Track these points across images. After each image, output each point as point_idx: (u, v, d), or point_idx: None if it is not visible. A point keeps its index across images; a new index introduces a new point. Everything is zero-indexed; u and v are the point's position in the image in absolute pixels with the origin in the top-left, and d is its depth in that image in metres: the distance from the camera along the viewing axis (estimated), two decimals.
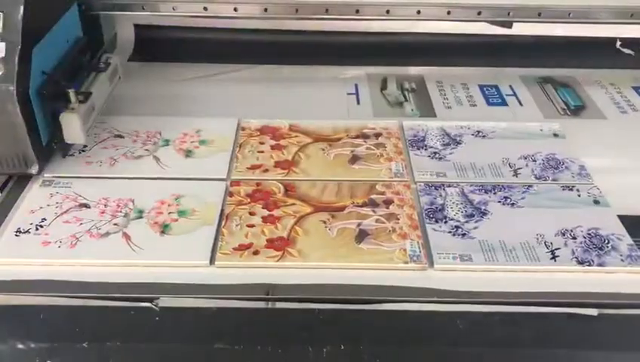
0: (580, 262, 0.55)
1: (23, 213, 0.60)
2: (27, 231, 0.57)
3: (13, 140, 0.60)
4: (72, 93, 0.64)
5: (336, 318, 0.51)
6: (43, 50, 0.63)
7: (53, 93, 0.63)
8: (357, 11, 0.80)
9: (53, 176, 0.64)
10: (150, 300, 0.51)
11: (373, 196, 0.63)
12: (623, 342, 0.51)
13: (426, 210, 0.61)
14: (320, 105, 0.80)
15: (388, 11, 0.80)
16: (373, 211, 0.61)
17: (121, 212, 0.60)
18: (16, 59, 0.58)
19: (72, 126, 0.63)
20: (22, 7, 0.60)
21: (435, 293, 0.53)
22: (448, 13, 0.80)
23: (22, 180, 0.64)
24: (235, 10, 0.80)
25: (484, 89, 0.84)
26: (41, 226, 0.58)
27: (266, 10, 0.80)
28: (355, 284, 0.53)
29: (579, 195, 0.63)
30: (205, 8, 0.80)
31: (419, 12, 0.80)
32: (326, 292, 0.52)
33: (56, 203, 0.61)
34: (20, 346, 0.48)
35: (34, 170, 0.63)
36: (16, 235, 0.57)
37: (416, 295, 0.53)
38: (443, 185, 0.64)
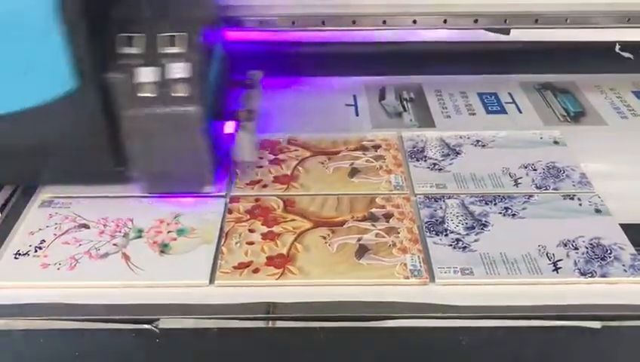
0: (583, 274, 0.55)
1: (22, 234, 0.59)
2: (26, 254, 0.57)
3: (194, 161, 0.61)
4: (242, 111, 0.64)
5: (338, 336, 0.51)
6: (211, 69, 0.64)
7: (219, 112, 0.63)
8: (354, 22, 0.80)
9: (52, 197, 0.64)
10: (150, 321, 0.51)
11: (373, 210, 0.62)
12: (627, 354, 0.50)
13: (426, 222, 0.61)
14: (318, 116, 0.80)
15: (385, 21, 0.80)
16: (373, 225, 0.60)
17: (120, 232, 0.60)
18: (199, 79, 0.58)
19: (246, 144, 0.63)
20: (202, 27, 0.60)
21: (436, 309, 0.52)
22: (445, 21, 0.80)
23: (20, 201, 0.64)
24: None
25: (483, 97, 0.84)
26: (40, 248, 0.58)
27: (261, 22, 0.80)
28: (356, 301, 0.53)
29: (580, 204, 0.63)
30: None
31: (415, 22, 0.80)
32: (327, 309, 0.52)
33: (56, 223, 0.61)
34: None
35: (209, 189, 0.63)
36: (15, 258, 0.57)
37: (418, 311, 0.52)
38: (443, 196, 0.64)
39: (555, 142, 0.73)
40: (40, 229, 0.60)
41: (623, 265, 0.55)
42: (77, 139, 0.59)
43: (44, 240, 0.58)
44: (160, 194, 0.64)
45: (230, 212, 0.62)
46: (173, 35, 0.59)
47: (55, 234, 0.59)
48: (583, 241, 0.58)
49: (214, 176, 0.63)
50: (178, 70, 0.57)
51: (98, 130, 0.58)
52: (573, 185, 0.66)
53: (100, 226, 0.60)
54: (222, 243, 0.58)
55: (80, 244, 0.58)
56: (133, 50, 0.58)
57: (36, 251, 0.57)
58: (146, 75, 0.57)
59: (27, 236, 0.59)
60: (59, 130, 0.58)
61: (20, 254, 0.57)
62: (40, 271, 0.55)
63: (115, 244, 0.58)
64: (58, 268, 0.55)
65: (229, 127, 0.63)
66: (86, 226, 0.60)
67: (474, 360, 0.51)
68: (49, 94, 0.56)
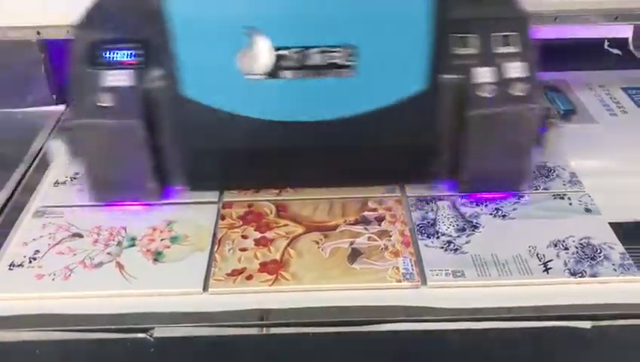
0: (573, 274, 0.55)
1: (16, 245, 0.60)
2: (21, 265, 0.57)
3: (519, 160, 0.62)
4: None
5: (332, 342, 0.51)
6: None
7: None
8: None
9: (45, 206, 0.64)
10: (145, 330, 0.51)
11: (365, 213, 0.63)
12: (618, 353, 0.51)
13: (417, 225, 0.61)
14: None
15: None
16: (365, 229, 0.61)
17: (113, 240, 0.60)
18: (536, 78, 0.59)
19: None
20: (530, 26, 0.61)
21: (429, 312, 0.53)
22: None
23: (13, 211, 0.64)
24: None
25: None
26: (35, 259, 0.58)
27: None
28: (349, 306, 0.53)
29: (570, 204, 0.63)
30: None
31: None
32: (320, 315, 0.53)
33: (49, 233, 0.61)
34: None
35: (524, 188, 0.64)
36: (9, 269, 0.57)
37: (410, 314, 0.53)
38: (434, 198, 0.64)
39: None
40: (34, 239, 0.60)
41: (613, 265, 0.56)
42: (415, 140, 0.60)
43: (38, 251, 0.59)
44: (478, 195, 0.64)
45: (223, 218, 0.62)
46: (507, 35, 0.59)
47: (49, 244, 0.59)
48: (573, 241, 0.59)
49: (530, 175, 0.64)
50: (516, 69, 0.58)
51: (436, 132, 0.60)
52: (564, 185, 0.66)
53: (94, 235, 0.61)
54: (215, 250, 0.59)
55: (74, 254, 0.58)
56: (468, 51, 0.59)
57: (30, 262, 0.58)
58: (484, 75, 0.58)
59: (21, 247, 0.59)
60: (400, 131, 0.60)
61: (14, 265, 0.57)
62: (35, 282, 0.55)
63: (108, 253, 0.58)
64: (53, 279, 0.56)
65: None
66: (80, 235, 0.61)
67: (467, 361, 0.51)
68: (399, 95, 0.57)
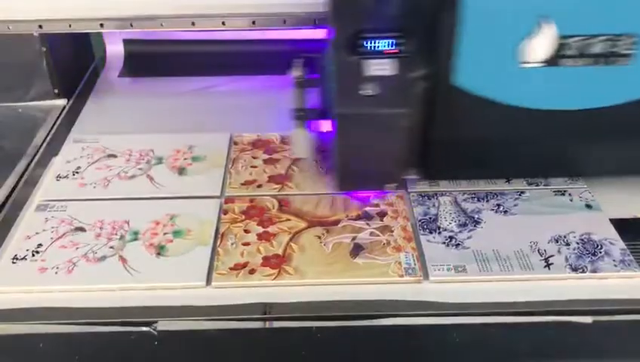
0: (574, 269, 0.56)
1: (19, 239, 0.60)
2: (24, 258, 0.57)
3: None
4: None
5: (334, 335, 0.52)
6: None
7: None
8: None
9: (48, 200, 0.64)
10: (148, 324, 0.51)
11: (367, 208, 0.63)
12: (618, 348, 0.51)
13: (419, 220, 0.61)
14: None
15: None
16: (368, 224, 0.61)
17: (116, 234, 0.60)
18: None
19: None
20: None
21: (431, 306, 0.53)
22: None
23: (16, 205, 0.64)
24: (223, 23, 0.80)
25: None
26: (38, 252, 0.58)
27: (254, 22, 0.80)
28: (352, 300, 0.54)
29: (571, 200, 0.64)
30: (193, 23, 0.80)
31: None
32: (323, 309, 0.53)
33: (52, 227, 0.61)
34: None
35: None
36: (13, 262, 0.57)
37: (413, 309, 0.53)
38: (436, 194, 0.65)
39: None
40: (37, 233, 0.60)
41: (614, 260, 0.56)
42: None
43: (41, 244, 0.59)
44: None
45: (225, 212, 0.63)
46: None
47: (52, 238, 0.60)
48: (574, 237, 0.59)
49: None
50: None
51: None
52: (564, 181, 0.66)
53: (97, 229, 0.61)
54: (218, 244, 0.59)
55: (77, 248, 0.58)
56: None
57: (34, 255, 0.58)
58: None
59: (24, 240, 0.59)
60: None
61: (17, 259, 0.57)
62: (38, 276, 0.56)
63: (111, 247, 0.59)
64: (56, 272, 0.56)
65: None
66: (82, 229, 0.61)
67: (468, 357, 0.51)
68: None
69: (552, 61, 0.55)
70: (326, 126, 0.63)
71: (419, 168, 0.63)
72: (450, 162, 0.63)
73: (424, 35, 0.56)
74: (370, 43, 0.57)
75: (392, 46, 0.57)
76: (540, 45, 0.54)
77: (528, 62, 0.55)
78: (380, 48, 0.57)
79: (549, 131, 0.60)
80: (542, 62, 0.55)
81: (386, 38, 0.57)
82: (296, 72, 0.62)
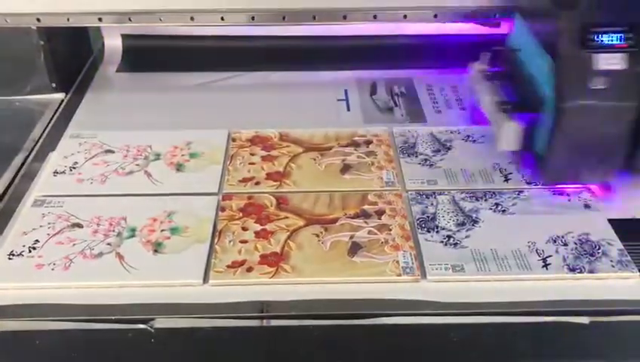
0: (572, 269, 0.56)
1: (15, 235, 0.59)
2: (20, 254, 0.57)
3: None
4: None
5: (332, 334, 0.52)
6: None
7: None
8: (344, 17, 0.80)
9: (45, 196, 0.64)
10: (145, 321, 0.51)
11: (365, 207, 0.63)
12: (615, 349, 0.51)
13: (417, 219, 0.61)
14: (310, 111, 0.80)
15: (375, 16, 0.80)
16: (366, 222, 0.61)
17: (113, 231, 0.60)
18: None
19: None
20: None
21: (428, 306, 0.53)
22: (435, 16, 0.80)
23: (12, 201, 0.64)
24: (222, 19, 0.79)
25: None
26: (34, 248, 0.58)
27: (253, 18, 0.80)
28: (349, 299, 0.54)
29: (569, 200, 0.64)
30: (192, 18, 0.79)
31: (405, 16, 0.80)
32: (320, 308, 0.53)
33: (49, 223, 0.61)
34: None
35: None
36: (9, 258, 0.57)
37: (410, 308, 0.53)
38: (434, 193, 0.65)
39: None
40: (33, 229, 0.60)
41: (611, 261, 0.56)
42: None
43: (37, 240, 0.59)
44: None
45: (223, 209, 0.62)
46: None
47: (49, 234, 0.59)
48: (572, 237, 0.59)
49: None
50: None
51: None
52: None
53: (94, 225, 0.60)
54: (215, 241, 0.59)
55: (74, 244, 0.58)
56: None
57: (30, 251, 0.57)
58: None
59: (20, 236, 0.59)
60: None
61: (13, 255, 0.57)
62: (35, 272, 0.55)
63: (108, 244, 0.58)
64: (52, 269, 0.56)
65: None
66: (79, 226, 0.60)
67: (465, 357, 0.51)
68: None
69: None
70: (525, 118, 0.63)
71: (632, 165, 0.62)
72: None
73: None
74: (601, 37, 0.57)
75: (622, 40, 0.57)
76: None
77: None
78: (610, 42, 0.57)
79: None
80: None
81: (617, 32, 0.57)
82: (480, 66, 0.62)
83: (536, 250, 0.58)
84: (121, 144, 0.72)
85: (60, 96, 0.83)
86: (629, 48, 0.57)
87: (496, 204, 0.63)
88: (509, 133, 0.63)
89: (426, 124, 0.78)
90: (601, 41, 0.57)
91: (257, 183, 0.66)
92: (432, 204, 0.63)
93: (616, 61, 0.57)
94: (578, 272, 0.55)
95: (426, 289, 0.55)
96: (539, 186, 0.65)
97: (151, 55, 0.92)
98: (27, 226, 0.60)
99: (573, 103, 0.57)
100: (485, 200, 0.64)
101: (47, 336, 0.51)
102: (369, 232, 0.60)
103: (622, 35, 0.57)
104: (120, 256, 0.57)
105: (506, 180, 0.66)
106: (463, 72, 0.83)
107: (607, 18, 0.58)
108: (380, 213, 0.62)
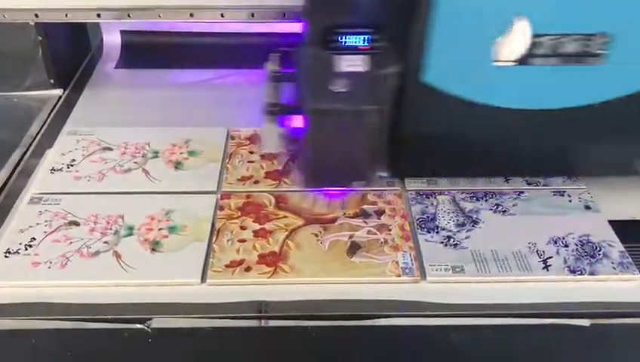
0: (572, 271, 0.55)
1: (12, 232, 0.59)
2: (17, 252, 0.57)
3: None
4: None
5: (330, 335, 0.51)
6: None
7: None
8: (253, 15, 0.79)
9: (42, 193, 0.64)
10: (143, 321, 0.51)
11: (365, 206, 0.62)
12: (616, 352, 0.51)
13: (417, 219, 0.61)
14: None
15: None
16: (365, 222, 0.60)
17: (111, 229, 0.59)
18: None
19: None
20: None
21: (428, 307, 0.53)
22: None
23: (8, 198, 0.64)
24: (222, 15, 0.79)
25: None
26: (31, 246, 0.57)
27: (252, 15, 0.79)
28: (348, 300, 0.53)
29: (570, 201, 0.63)
30: (191, 14, 0.79)
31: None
32: (320, 308, 0.52)
33: (46, 221, 0.60)
34: None
35: None
36: (5, 256, 0.56)
37: (410, 309, 0.52)
38: (434, 193, 0.64)
39: None
40: (30, 227, 0.59)
41: (612, 263, 0.56)
42: None
43: (34, 238, 0.58)
44: None
45: (221, 208, 0.62)
46: None
47: (45, 232, 0.59)
48: (573, 239, 0.59)
49: None
50: None
51: None
52: (563, 181, 0.66)
53: (91, 223, 0.60)
54: (213, 240, 0.58)
55: (71, 242, 0.58)
56: None
57: (26, 249, 0.57)
58: None
59: (17, 234, 0.59)
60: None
61: (10, 253, 0.57)
62: (31, 270, 0.55)
63: (105, 242, 0.58)
64: (49, 267, 0.55)
65: None
66: (76, 224, 0.60)
67: (465, 358, 0.51)
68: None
69: (524, 60, 0.54)
70: (298, 121, 0.62)
71: (390, 166, 0.63)
72: (420, 160, 0.63)
73: (397, 31, 0.55)
74: (344, 38, 0.56)
75: (365, 42, 0.56)
76: (512, 44, 0.53)
77: (500, 61, 0.54)
78: (353, 44, 0.56)
79: (521, 131, 0.59)
80: (514, 61, 0.54)
81: (360, 33, 0.56)
82: (271, 66, 0.61)
83: (537, 251, 0.57)
84: (119, 141, 0.71)
85: (57, 92, 0.83)
86: (372, 50, 0.56)
87: (497, 205, 0.63)
88: (268, 135, 0.62)
89: None
90: (345, 42, 0.56)
91: (256, 182, 0.66)
92: (432, 204, 0.63)
93: (358, 63, 0.56)
94: (579, 274, 0.55)
95: (426, 290, 0.54)
96: (539, 187, 0.65)
97: (150, 52, 0.91)
98: (23, 224, 0.60)
99: (315, 106, 0.55)
100: (486, 200, 0.63)
101: (44, 336, 0.51)
102: (368, 232, 0.59)
103: (367, 37, 0.56)
104: (117, 255, 0.57)
105: (507, 180, 0.66)
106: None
107: (352, 20, 0.56)
108: (379, 213, 0.61)
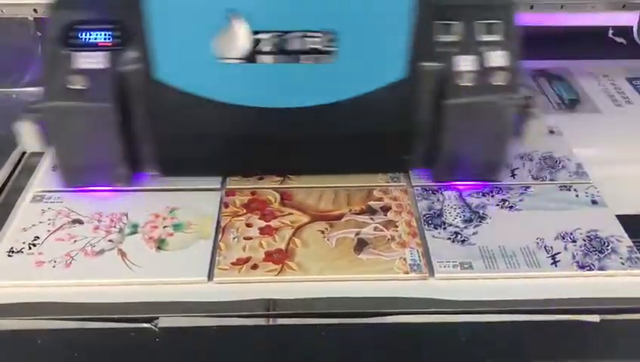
0: (581, 267, 0.55)
1: (15, 231, 0.58)
2: (20, 251, 0.56)
3: (499, 150, 0.61)
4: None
5: (339, 333, 0.51)
6: None
7: None
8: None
9: (44, 191, 0.63)
10: (149, 320, 0.50)
11: (371, 203, 0.62)
12: (626, 348, 0.51)
13: (424, 215, 0.60)
14: None
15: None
16: (371, 219, 0.60)
17: (115, 227, 0.59)
18: (517, 68, 0.58)
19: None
20: (515, 13, 0.59)
21: (436, 304, 0.52)
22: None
23: (11, 196, 0.63)
24: None
25: None
26: (34, 245, 0.57)
27: None
28: (357, 297, 0.53)
29: (577, 195, 0.63)
30: None
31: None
32: (328, 306, 0.52)
33: (49, 219, 0.59)
34: None
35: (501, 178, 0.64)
36: (9, 256, 0.56)
37: (418, 306, 0.52)
38: (440, 188, 0.64)
39: (551, 132, 0.73)
40: (33, 225, 0.59)
41: (621, 258, 0.56)
42: (388, 128, 0.59)
43: (37, 237, 0.57)
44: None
45: (226, 205, 0.61)
46: (491, 23, 0.58)
47: (49, 231, 0.58)
48: (581, 234, 0.58)
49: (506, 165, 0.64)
50: (497, 58, 0.56)
51: (415, 120, 0.59)
52: (570, 176, 0.66)
53: (95, 221, 0.59)
54: (219, 238, 0.58)
55: (75, 241, 0.57)
56: (450, 38, 0.57)
57: (30, 248, 0.56)
58: (465, 63, 0.56)
59: (20, 233, 0.58)
60: (374, 119, 0.59)
61: (13, 251, 0.56)
62: (35, 270, 0.54)
63: (110, 240, 0.57)
64: (53, 266, 0.54)
65: None
66: (80, 222, 0.59)
67: (475, 356, 0.51)
68: (379, 83, 0.56)
69: (250, 57, 0.54)
70: None
71: (154, 165, 0.62)
72: (174, 158, 0.62)
73: (135, 27, 0.54)
74: (85, 35, 0.56)
75: (106, 39, 0.56)
76: (232, 41, 0.53)
77: (224, 58, 0.54)
78: (93, 41, 0.56)
79: (255, 128, 0.59)
80: (238, 58, 0.54)
81: (100, 30, 0.56)
82: None
83: (545, 247, 0.57)
84: None
85: None
86: (112, 47, 0.56)
87: (503, 200, 0.62)
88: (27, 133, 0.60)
89: None
90: (85, 39, 0.56)
91: (260, 178, 0.65)
92: (438, 200, 0.62)
93: (97, 60, 0.55)
94: (588, 270, 0.55)
95: (434, 287, 0.54)
96: (546, 182, 0.65)
97: None
98: (27, 222, 0.59)
99: (51, 103, 0.56)
100: (492, 195, 0.63)
101: (49, 336, 0.50)
102: (375, 229, 0.59)
103: (107, 33, 0.56)
104: (122, 253, 0.56)
105: (513, 175, 0.66)
106: None
107: (91, 16, 0.56)
108: (385, 209, 0.61)
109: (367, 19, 0.53)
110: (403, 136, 0.60)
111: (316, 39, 0.53)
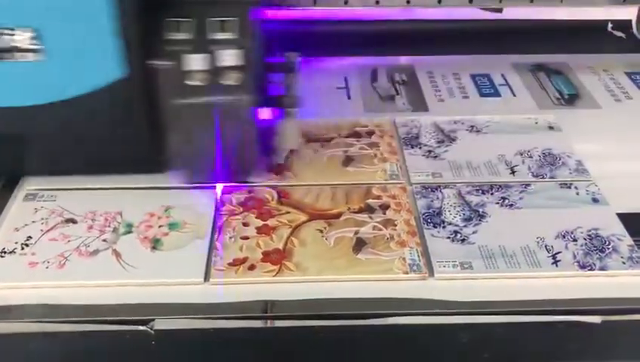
0: (582, 267, 0.54)
1: (7, 231, 0.57)
2: (12, 252, 0.55)
3: (241, 151, 0.59)
4: (285, 97, 0.61)
5: (338, 335, 0.50)
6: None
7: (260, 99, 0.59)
8: (345, 2, 0.77)
9: (37, 189, 0.62)
10: (145, 322, 0.49)
11: (369, 201, 0.61)
12: (628, 348, 0.50)
13: (423, 214, 0.60)
14: (309, 100, 0.78)
15: (377, 1, 0.78)
16: (370, 217, 0.59)
17: (109, 226, 0.58)
18: (251, 67, 0.55)
19: (292, 131, 0.60)
20: (252, 10, 0.57)
21: (436, 305, 0.52)
22: (439, 1, 0.78)
23: (3, 195, 0.62)
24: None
25: (476, 78, 0.83)
26: (27, 245, 0.56)
27: None
28: (356, 298, 0.52)
29: (577, 193, 0.62)
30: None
31: (408, 1, 0.78)
32: (326, 307, 0.51)
33: (42, 218, 0.58)
34: None
35: (252, 178, 0.63)
36: (1, 256, 0.55)
37: (418, 307, 0.51)
38: (439, 186, 0.63)
39: (550, 128, 0.72)
40: (25, 225, 0.58)
41: (622, 257, 0.55)
42: (117, 128, 0.57)
43: (30, 237, 0.56)
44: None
45: (222, 204, 0.60)
46: (224, 20, 0.56)
47: (42, 230, 0.57)
48: (581, 232, 0.58)
49: (257, 165, 0.62)
50: (229, 57, 0.54)
51: (140, 120, 0.57)
52: (570, 173, 0.65)
53: (88, 221, 0.58)
54: (215, 238, 0.57)
55: (68, 241, 0.56)
56: (181, 36, 0.55)
57: (23, 249, 0.55)
58: (196, 62, 0.54)
59: (12, 232, 0.57)
60: (99, 119, 0.56)
61: (5, 252, 0.55)
62: (28, 271, 0.53)
63: (104, 240, 0.56)
64: (47, 267, 0.53)
65: (263, 113, 0.60)
66: (73, 221, 0.58)
67: (474, 357, 0.50)
68: (96, 82, 0.54)
69: None
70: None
71: None
72: None
73: None
74: None
75: None
76: None
77: None
78: None
79: None
80: None
81: None
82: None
83: (546, 246, 0.56)
84: None
85: None
86: None
87: (503, 198, 0.62)
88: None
89: (428, 113, 0.76)
90: None
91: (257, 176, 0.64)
92: (437, 198, 0.62)
93: None
94: (589, 269, 0.54)
95: (434, 287, 0.53)
96: (546, 180, 0.64)
97: None
98: (19, 222, 0.58)
99: None
100: (492, 193, 0.62)
101: (42, 339, 0.49)
102: (374, 228, 0.58)
103: None
104: (117, 254, 0.55)
105: (512, 173, 0.65)
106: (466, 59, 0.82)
107: None
108: (384, 208, 0.60)
109: (67, 16, 0.51)
110: (138, 136, 0.58)
111: (17, 36, 0.51)
